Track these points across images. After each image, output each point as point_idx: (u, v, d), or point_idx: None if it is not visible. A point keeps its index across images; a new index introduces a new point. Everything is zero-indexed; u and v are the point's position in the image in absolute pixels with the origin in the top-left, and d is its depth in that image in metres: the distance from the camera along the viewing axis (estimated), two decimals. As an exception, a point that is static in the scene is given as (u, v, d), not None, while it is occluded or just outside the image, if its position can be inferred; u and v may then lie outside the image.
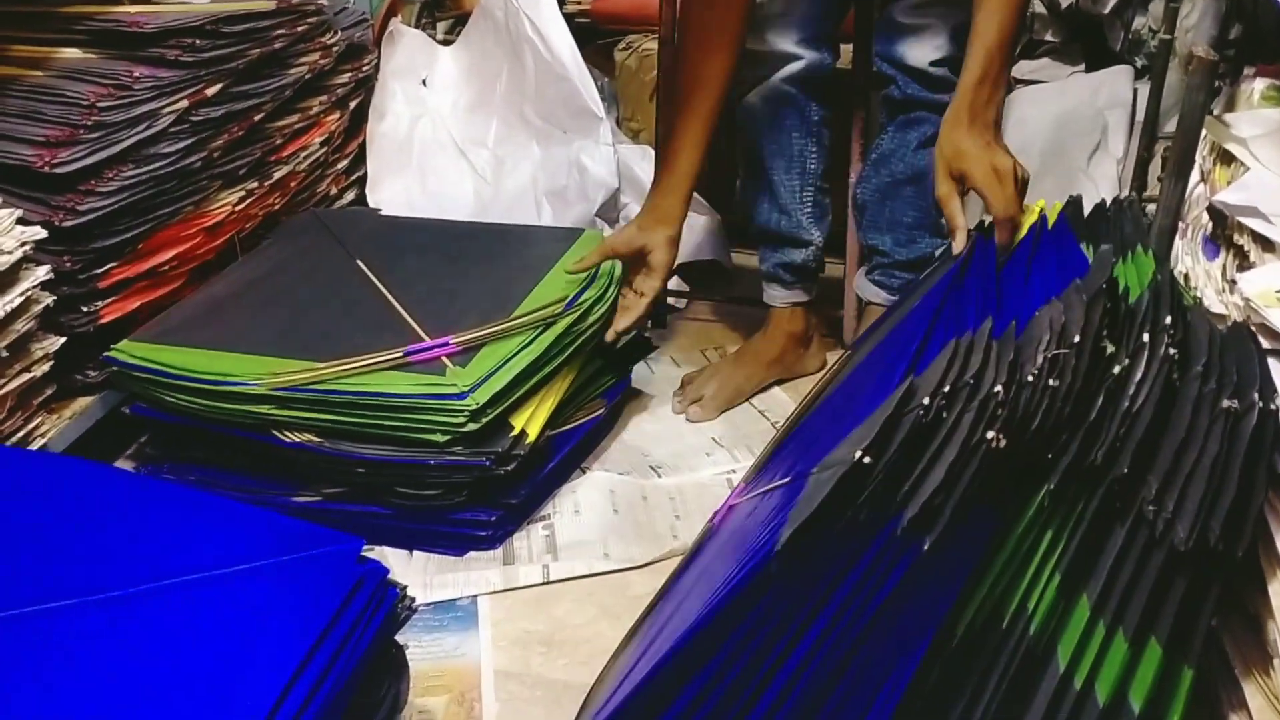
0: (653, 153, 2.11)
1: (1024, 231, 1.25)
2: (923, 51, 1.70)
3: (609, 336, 1.66)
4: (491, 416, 1.45)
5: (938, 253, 1.72)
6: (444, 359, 1.50)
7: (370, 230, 1.89)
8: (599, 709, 1.11)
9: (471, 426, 1.43)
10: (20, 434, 1.47)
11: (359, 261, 1.75)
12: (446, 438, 1.44)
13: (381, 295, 1.66)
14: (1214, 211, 1.17)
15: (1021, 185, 1.40)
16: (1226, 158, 1.23)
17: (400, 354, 1.49)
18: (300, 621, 0.98)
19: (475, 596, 1.45)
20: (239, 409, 1.49)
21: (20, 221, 1.44)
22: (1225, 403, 0.91)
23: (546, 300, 1.61)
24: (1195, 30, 1.77)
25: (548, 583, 1.47)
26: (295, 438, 1.48)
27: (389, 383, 1.46)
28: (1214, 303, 1.12)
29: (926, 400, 0.94)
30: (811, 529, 0.95)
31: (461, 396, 1.43)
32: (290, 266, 1.77)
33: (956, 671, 1.00)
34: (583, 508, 1.61)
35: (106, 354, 1.55)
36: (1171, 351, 0.94)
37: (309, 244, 1.84)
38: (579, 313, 1.61)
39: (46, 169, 1.49)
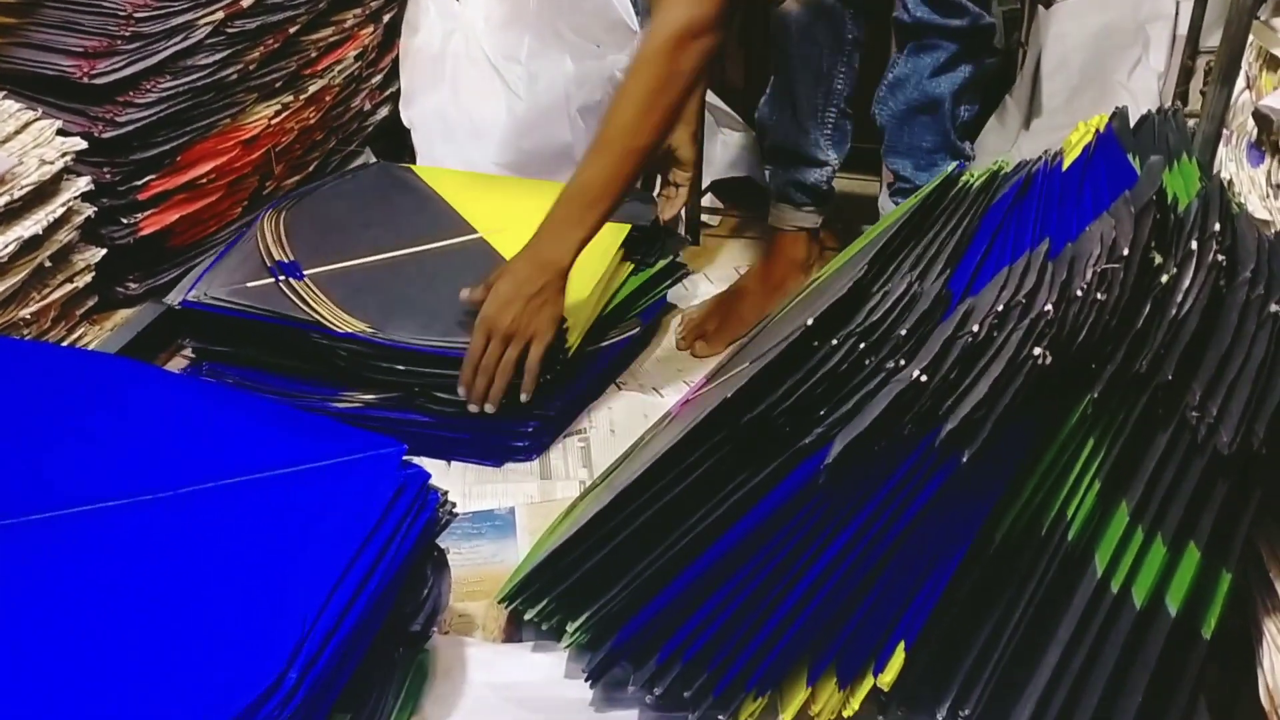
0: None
1: (1078, 151, 1.23)
2: None
3: (664, 218, 1.79)
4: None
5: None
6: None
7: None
8: (630, 621, 1.12)
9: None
10: (63, 344, 1.49)
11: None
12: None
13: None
14: (1259, 117, 1.15)
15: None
16: (1273, 63, 1.21)
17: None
18: (346, 523, 0.99)
19: (512, 507, 1.47)
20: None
21: (60, 133, 1.46)
22: (1273, 308, 0.91)
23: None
24: (1244, -63, 1.73)
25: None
26: (347, 328, 1.50)
27: None
28: (1258, 209, 1.11)
29: (976, 326, 0.94)
30: (863, 446, 0.96)
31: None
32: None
33: (995, 576, 1.01)
34: (618, 428, 1.62)
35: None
36: (1219, 258, 0.94)
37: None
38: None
39: (85, 80, 1.50)
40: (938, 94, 1.72)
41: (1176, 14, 2.18)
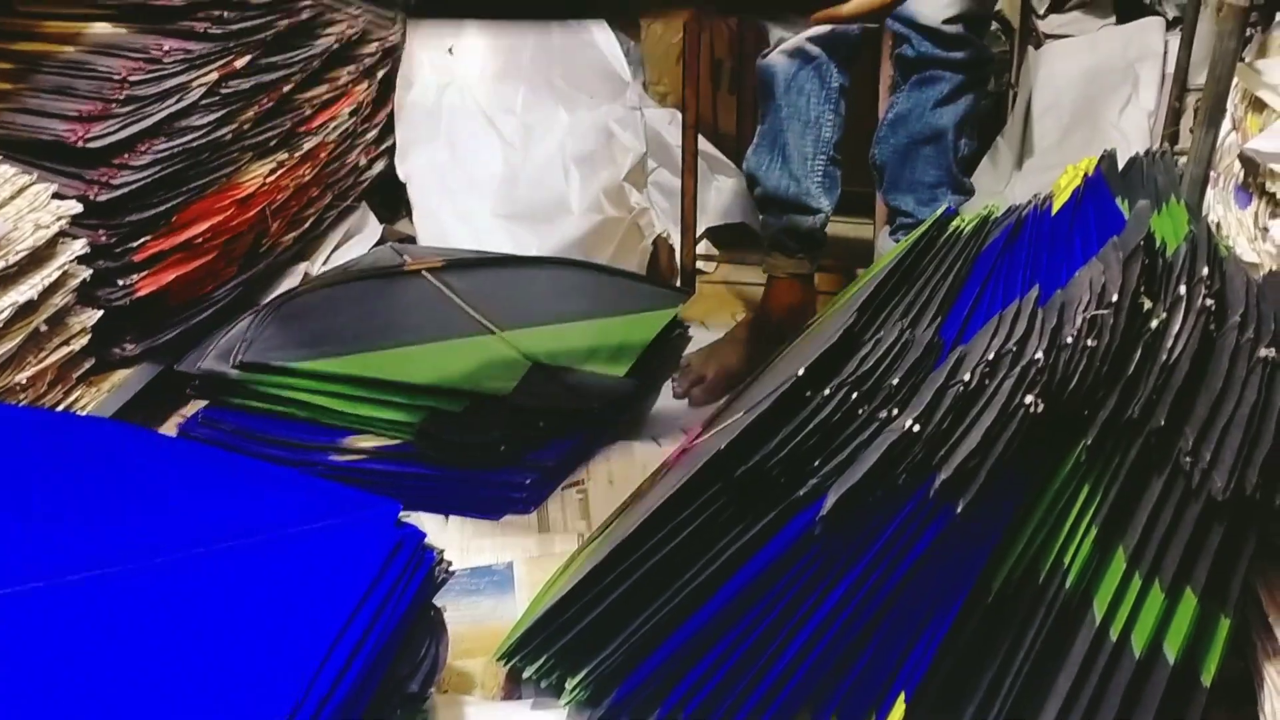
0: (680, 116, 2.10)
1: (1067, 195, 1.24)
2: (935, 7, 1.66)
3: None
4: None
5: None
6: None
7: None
8: (630, 677, 1.12)
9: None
10: (60, 407, 1.49)
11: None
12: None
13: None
14: (1246, 160, 1.16)
15: None
16: (1258, 105, 1.21)
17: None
18: (341, 585, 0.99)
19: (510, 562, 1.46)
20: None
21: (56, 196, 1.46)
22: (1262, 352, 0.91)
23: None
24: (1227, -22, 1.75)
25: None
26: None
27: None
28: (1246, 251, 1.11)
29: (968, 375, 0.94)
30: (857, 497, 0.96)
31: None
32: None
33: (993, 625, 1.00)
34: (616, 479, 1.62)
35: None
36: (1209, 303, 0.94)
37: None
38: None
39: (80, 144, 1.51)
40: (941, 125, 1.74)
41: (1165, 52, 2.20)
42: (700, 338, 1.96)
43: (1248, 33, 1.33)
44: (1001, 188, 2.15)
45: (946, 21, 1.67)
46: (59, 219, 1.44)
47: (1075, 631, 0.98)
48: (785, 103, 1.80)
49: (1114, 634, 0.96)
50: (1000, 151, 2.25)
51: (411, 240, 2.10)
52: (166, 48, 1.60)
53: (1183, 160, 1.42)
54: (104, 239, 1.54)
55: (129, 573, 1.01)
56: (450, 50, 2.28)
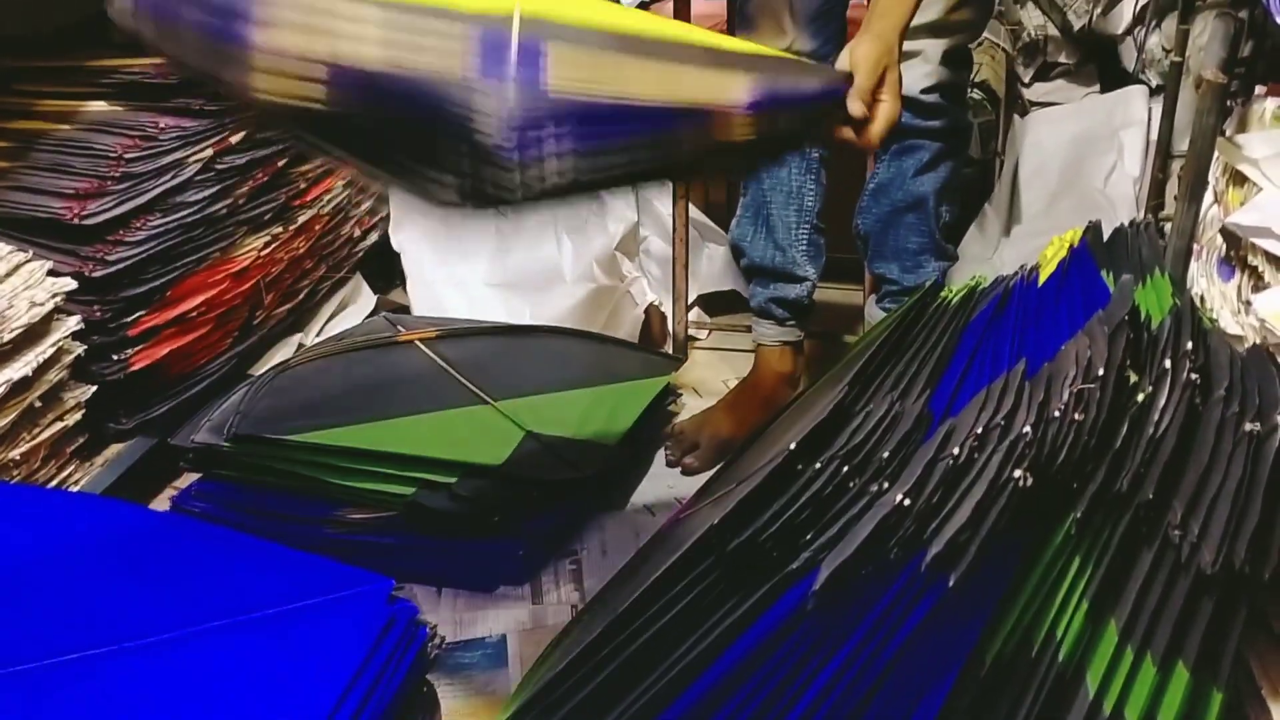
0: (670, 185, 2.11)
1: (1053, 266, 1.25)
2: (913, 78, 1.67)
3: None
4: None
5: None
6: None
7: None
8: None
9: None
10: (53, 482, 1.49)
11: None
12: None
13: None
14: (1228, 233, 1.17)
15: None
16: (1239, 179, 1.23)
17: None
18: (332, 664, 0.99)
19: (503, 634, 1.46)
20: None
21: (51, 273, 1.47)
22: (1248, 426, 0.92)
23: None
24: (1205, 51, 1.78)
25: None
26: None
27: None
28: (1230, 324, 1.12)
29: (957, 448, 0.95)
30: (850, 571, 0.96)
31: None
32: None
33: (987, 700, 1.00)
34: (610, 548, 1.62)
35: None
36: (1193, 377, 0.95)
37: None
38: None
39: (76, 221, 1.52)
40: (922, 193, 1.77)
41: (1150, 120, 2.23)
42: (693, 405, 1.96)
43: (1228, 105, 1.35)
44: (990, 254, 2.17)
45: (924, 91, 1.70)
46: (54, 296, 1.45)
47: (1070, 705, 0.98)
48: (767, 174, 1.83)
49: (1108, 708, 0.96)
50: (988, 219, 2.27)
51: (405, 310, 2.11)
52: (162, 125, 1.62)
53: (1168, 227, 1.44)
54: (98, 314, 1.55)
55: (121, 653, 1.01)
56: (444, 122, 2.30)
